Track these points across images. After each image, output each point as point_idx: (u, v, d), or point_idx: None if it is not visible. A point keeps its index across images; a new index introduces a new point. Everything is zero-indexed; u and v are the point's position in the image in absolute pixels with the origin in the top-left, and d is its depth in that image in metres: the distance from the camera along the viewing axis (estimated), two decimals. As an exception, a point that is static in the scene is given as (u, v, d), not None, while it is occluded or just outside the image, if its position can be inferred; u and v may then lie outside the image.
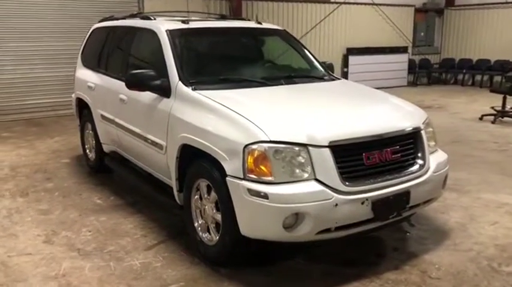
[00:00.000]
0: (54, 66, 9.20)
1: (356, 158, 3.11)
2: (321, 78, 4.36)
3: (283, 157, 2.96)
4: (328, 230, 3.05)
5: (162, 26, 4.19)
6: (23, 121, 8.91)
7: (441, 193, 3.68)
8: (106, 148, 5.29)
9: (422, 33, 14.86)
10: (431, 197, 3.53)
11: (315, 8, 12.53)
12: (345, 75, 13.23)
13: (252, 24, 4.76)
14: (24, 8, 8.96)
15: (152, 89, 3.86)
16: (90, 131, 5.63)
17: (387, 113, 3.59)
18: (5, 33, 8.86)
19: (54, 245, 3.81)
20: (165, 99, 3.82)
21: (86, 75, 5.54)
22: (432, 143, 3.71)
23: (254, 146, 2.97)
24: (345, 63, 13.21)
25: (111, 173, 5.45)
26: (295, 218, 2.96)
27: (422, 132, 3.50)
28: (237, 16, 10.73)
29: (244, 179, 2.99)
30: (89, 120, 5.59)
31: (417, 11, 14.45)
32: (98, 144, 5.40)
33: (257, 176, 2.96)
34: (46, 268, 3.43)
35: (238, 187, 3.01)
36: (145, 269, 3.41)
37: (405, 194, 3.25)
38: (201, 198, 3.49)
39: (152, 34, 4.23)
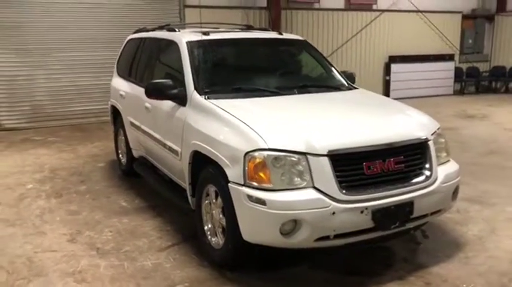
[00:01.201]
0: (99, 75, 9.65)
1: (356, 167, 3.14)
2: (337, 88, 4.40)
3: (282, 165, 3.05)
4: (327, 238, 3.09)
5: (183, 38, 4.38)
6: (69, 127, 9.42)
7: (451, 204, 3.62)
8: (135, 153, 5.55)
9: (470, 41, 14.39)
10: (439, 208, 3.48)
11: (356, 16, 12.46)
12: (387, 83, 13.06)
13: (273, 34, 4.87)
14: (71, 19, 9.48)
15: (169, 97, 4.04)
16: (122, 137, 5.91)
17: (394, 124, 3.58)
18: (53, 44, 9.41)
19: (76, 243, 4.06)
20: (182, 108, 4.00)
21: (119, 84, 5.84)
22: (444, 154, 3.67)
23: (254, 154, 3.07)
24: (387, 71, 13.02)
25: (140, 177, 5.68)
26: (293, 225, 3.03)
27: (430, 143, 3.47)
28: (275, 26, 10.90)
29: (244, 185, 3.10)
30: (121, 127, 5.88)
31: (465, 17, 14.04)
32: (128, 149, 5.67)
33: (257, 182, 3.06)
34: (66, 265, 3.67)
35: (239, 193, 3.12)
36: (155, 269, 3.58)
37: (408, 205, 3.24)
38: (210, 203, 3.62)
39: (174, 45, 4.43)
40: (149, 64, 5.06)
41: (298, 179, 3.05)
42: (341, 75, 4.68)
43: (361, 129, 3.36)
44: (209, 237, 3.66)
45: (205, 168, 3.58)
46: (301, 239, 3.03)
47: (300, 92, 4.11)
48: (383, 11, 12.69)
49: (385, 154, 3.23)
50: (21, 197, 5.27)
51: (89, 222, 4.53)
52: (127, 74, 5.71)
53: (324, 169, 3.04)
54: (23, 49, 9.25)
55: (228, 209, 3.27)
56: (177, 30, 4.77)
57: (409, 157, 3.34)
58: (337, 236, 3.11)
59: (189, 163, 3.79)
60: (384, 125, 3.50)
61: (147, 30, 5.58)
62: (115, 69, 6.24)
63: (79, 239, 4.14)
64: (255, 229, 3.12)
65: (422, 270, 3.50)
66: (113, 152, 6.75)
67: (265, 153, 3.05)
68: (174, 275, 3.48)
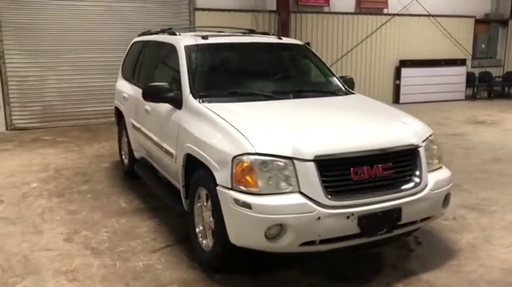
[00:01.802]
0: (109, 77, 9.71)
1: (343, 173, 3.15)
2: (333, 93, 4.42)
3: (269, 169, 3.08)
4: (312, 243, 3.11)
5: (182, 42, 4.44)
6: (79, 127, 9.55)
7: (441, 211, 3.61)
8: (136, 155, 5.62)
9: (483, 45, 14.22)
10: (428, 215, 3.48)
11: (366, 19, 12.42)
12: (397, 88, 12.98)
13: (272, 39, 4.90)
14: (83, 21, 9.63)
15: (166, 100, 4.10)
16: (125, 139, 5.99)
17: (384, 130, 3.57)
18: (64, 45, 9.57)
19: (72, 243, 4.14)
20: (177, 111, 4.05)
21: (123, 86, 5.93)
22: (436, 161, 3.65)
23: (242, 158, 3.10)
24: (397, 75, 12.94)
25: (141, 178, 5.76)
26: (279, 229, 3.05)
27: (421, 149, 3.46)
28: (284, 29, 10.93)
29: (232, 189, 3.14)
30: (124, 128, 5.96)
31: (478, 22, 13.88)
32: (130, 150, 5.75)
33: (244, 186, 3.10)
34: (59, 264, 3.74)
35: (226, 197, 3.16)
36: (146, 270, 3.63)
37: (396, 211, 3.25)
38: (202, 206, 3.66)
39: (173, 49, 4.49)
40: (150, 67, 5.13)
41: (285, 183, 3.08)
42: (339, 81, 4.69)
43: (350, 135, 3.37)
44: (200, 239, 3.70)
45: (197, 171, 3.63)
46: (286, 243, 3.06)
47: (295, 97, 4.13)
48: (394, 15, 12.63)
49: (373, 159, 3.24)
50: (24, 196, 5.38)
51: (87, 222, 4.61)
52: (130, 76, 5.80)
53: (310, 174, 3.06)
54: (35, 50, 9.42)
55: (217, 212, 3.31)
56: (177, 34, 4.83)
57: (398, 163, 3.34)
58: (322, 242, 3.12)
59: (183, 166, 3.84)
60: (373, 131, 3.50)
61: (151, 34, 5.65)
62: (120, 72, 6.33)
63: (75, 239, 4.21)
64: (241, 233, 3.15)
65: (411, 277, 3.50)
66: (118, 153, 6.84)
67: (253, 157, 3.08)
68: (164, 276, 3.53)
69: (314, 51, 4.95)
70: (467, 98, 13.85)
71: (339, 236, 3.14)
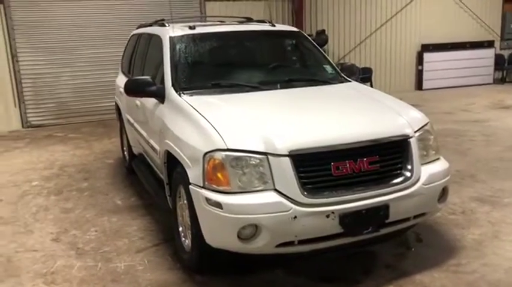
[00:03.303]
0: (123, 71, 9.72)
1: (322, 168, 2.91)
2: (326, 82, 4.15)
3: (241, 166, 2.87)
4: (290, 244, 2.90)
5: (167, 33, 4.26)
6: (93, 123, 9.54)
7: (437, 207, 3.32)
8: (135, 150, 5.51)
9: (512, 25, 13.51)
10: (421, 212, 3.20)
11: (385, 2, 11.94)
12: (419, 73, 12.47)
13: (265, 27, 4.65)
14: (95, 17, 9.61)
15: (148, 95, 3.94)
16: (125, 135, 5.89)
17: (371, 120, 3.28)
18: (77, 42, 9.57)
19: (59, 243, 4.05)
20: (161, 105, 3.89)
21: (120, 80, 5.81)
22: (432, 152, 3.36)
23: (213, 154, 2.91)
24: (420, 60, 12.42)
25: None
26: (254, 230, 2.86)
27: (412, 140, 3.18)
28: (298, 16, 10.65)
29: (203, 187, 2.96)
30: (123, 124, 5.86)
31: (506, 0, 13.16)
32: (129, 146, 5.65)
33: (215, 185, 2.91)
34: (41, 265, 3.65)
35: (198, 196, 2.98)
36: (126, 271, 3.50)
37: (383, 208, 2.99)
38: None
39: (159, 40, 4.33)
40: (142, 60, 4.99)
41: (258, 181, 2.87)
42: (334, 68, 4.41)
43: (331, 126, 3.11)
44: (183, 239, 3.54)
45: (176, 168, 3.46)
46: (262, 244, 2.86)
47: (282, 87, 3.91)
48: (416, -4, 12.11)
49: (357, 153, 2.98)
50: (23, 194, 5.35)
51: (78, 220, 4.52)
52: (127, 70, 5.69)
53: (285, 170, 2.84)
54: (47, 48, 9.45)
55: (192, 212, 3.14)
56: (167, 25, 4.65)
57: (385, 156, 3.08)
58: (302, 242, 2.91)
59: (164, 163, 3.68)
60: (358, 122, 3.22)
61: (145, 26, 5.50)
62: (120, 66, 6.23)
63: (63, 239, 4.13)
64: (215, 233, 2.97)
65: (404, 278, 3.24)
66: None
67: (224, 153, 2.88)
68: (143, 278, 3.39)
69: (309, 38, 4.67)
70: (496, 81, 13.20)
71: (319, 236, 2.91)
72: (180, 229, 3.59)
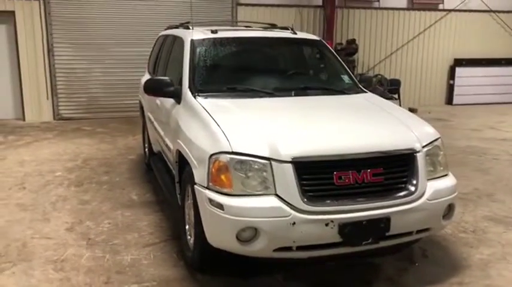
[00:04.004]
0: (151, 70, 9.94)
1: (324, 176, 2.95)
2: (341, 92, 4.17)
3: (244, 169, 2.94)
4: (288, 249, 2.94)
5: (189, 36, 4.37)
6: (120, 119, 9.77)
7: (441, 224, 3.29)
8: (154, 148, 5.64)
9: (551, 44, 13.11)
10: (424, 227, 3.18)
11: (419, 15, 11.81)
12: (450, 88, 12.27)
13: (285, 34, 4.71)
14: (128, 16, 9.87)
15: (166, 95, 4.06)
16: (147, 132, 6.04)
17: (378, 133, 3.28)
18: (110, 40, 9.86)
19: (72, 232, 4.20)
20: (177, 106, 4.00)
21: (145, 79, 5.95)
22: (440, 168, 3.34)
23: (218, 156, 2.99)
24: (451, 75, 12.22)
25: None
26: (253, 233, 2.91)
27: (419, 155, 3.17)
28: (329, 25, 10.65)
29: (207, 188, 3.03)
30: (145, 122, 6.01)
31: (546, 18, 12.81)
32: (150, 144, 5.79)
33: (219, 186, 2.98)
34: (53, 252, 3.81)
35: (202, 196, 3.06)
36: (131, 265, 3.61)
37: (384, 221, 2.99)
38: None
39: (181, 42, 4.45)
40: (165, 61, 5.12)
41: (260, 185, 2.93)
42: (352, 79, 4.42)
43: (336, 136, 3.14)
44: (188, 237, 3.63)
45: (186, 168, 3.55)
46: (259, 248, 2.91)
47: (297, 95, 3.95)
48: (450, 10, 11.92)
49: (361, 164, 3.00)
50: (46, 184, 5.56)
51: (94, 212, 4.68)
52: (152, 70, 5.84)
53: (286, 176, 2.89)
54: (82, 44, 9.76)
55: (196, 211, 3.22)
56: (191, 28, 4.76)
57: (390, 169, 3.08)
58: (300, 248, 2.95)
59: (176, 162, 3.78)
60: (365, 133, 3.23)
61: (171, 28, 5.64)
62: (146, 66, 6.40)
63: (77, 229, 4.28)
64: (215, 234, 3.04)
65: (403, 292, 3.23)
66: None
67: (229, 156, 2.95)
68: (146, 272, 3.49)
69: (329, 47, 4.69)
70: (531, 100, 12.84)
71: (317, 243, 2.94)
72: (187, 227, 3.67)
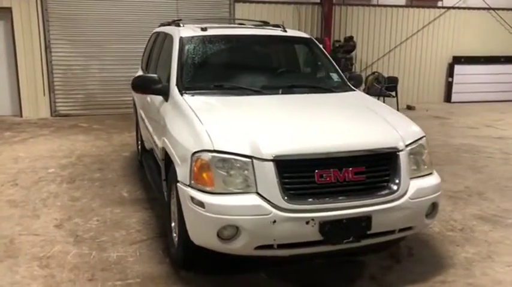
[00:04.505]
0: (148, 67, 9.95)
1: (305, 175, 2.95)
2: (328, 90, 4.16)
3: (226, 168, 2.94)
4: (270, 247, 2.95)
5: (179, 33, 4.37)
6: (117, 115, 9.78)
7: (424, 222, 3.29)
8: (146, 145, 5.65)
9: (551, 42, 13.05)
10: (407, 226, 3.18)
11: (417, 13, 11.78)
12: (449, 85, 12.24)
13: (276, 31, 4.70)
14: (125, 12, 9.89)
15: (154, 92, 4.06)
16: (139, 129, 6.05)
17: (361, 131, 3.28)
18: (107, 36, 9.87)
19: (60, 229, 4.22)
20: (165, 103, 4.00)
21: (138, 76, 5.98)
22: (424, 167, 3.33)
23: (200, 155, 2.99)
24: (450, 72, 12.18)
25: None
26: (234, 231, 2.92)
27: (401, 153, 3.16)
28: (327, 22, 10.63)
29: (189, 186, 3.04)
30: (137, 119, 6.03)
31: (546, 16, 12.75)
32: (142, 141, 5.80)
33: (200, 184, 2.99)
34: (39, 249, 3.82)
35: (184, 194, 3.07)
36: (117, 262, 3.62)
37: (364, 219, 3.00)
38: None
39: (171, 40, 4.45)
40: (156, 58, 5.13)
41: (242, 183, 2.93)
42: (341, 77, 4.41)
43: (317, 135, 3.14)
44: (174, 235, 3.64)
45: (171, 166, 3.55)
46: (240, 246, 2.92)
47: (284, 93, 3.95)
48: (449, 8, 11.88)
49: (342, 162, 3.00)
50: (38, 180, 5.58)
51: (84, 209, 4.69)
52: (144, 67, 5.85)
53: (268, 175, 2.89)
54: (79, 40, 9.79)
55: (179, 209, 3.23)
56: (181, 25, 4.77)
57: (372, 168, 3.08)
58: (281, 246, 2.95)
59: (162, 159, 3.79)
60: (348, 132, 3.23)
61: (163, 25, 5.64)
62: (140, 63, 6.41)
63: (65, 226, 4.30)
64: (197, 231, 3.05)
65: (385, 291, 3.24)
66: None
67: (210, 154, 2.96)
68: (131, 269, 3.50)
69: (319, 45, 4.68)
70: (530, 98, 12.79)
71: (298, 241, 2.95)
72: (173, 224, 3.68)
